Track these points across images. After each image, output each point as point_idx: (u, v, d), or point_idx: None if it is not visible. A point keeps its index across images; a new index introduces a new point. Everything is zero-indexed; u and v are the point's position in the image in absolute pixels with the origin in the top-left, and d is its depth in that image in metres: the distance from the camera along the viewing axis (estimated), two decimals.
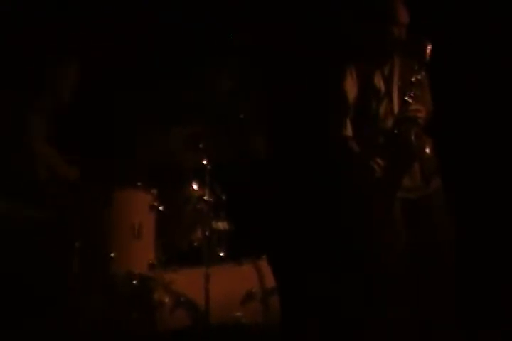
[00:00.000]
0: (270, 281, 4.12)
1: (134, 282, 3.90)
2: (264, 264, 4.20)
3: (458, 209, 4.05)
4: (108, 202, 4.03)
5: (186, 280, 4.06)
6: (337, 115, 4.02)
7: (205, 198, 4.24)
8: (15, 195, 4.17)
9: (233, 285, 4.10)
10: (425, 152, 3.88)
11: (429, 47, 3.86)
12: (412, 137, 3.87)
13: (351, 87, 4.00)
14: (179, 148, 4.45)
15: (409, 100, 3.90)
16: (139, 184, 4.18)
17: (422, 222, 3.96)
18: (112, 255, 3.94)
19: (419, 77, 3.90)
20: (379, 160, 3.87)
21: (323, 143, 4.05)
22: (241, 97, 4.66)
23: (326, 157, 4.11)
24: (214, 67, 4.71)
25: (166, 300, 3.93)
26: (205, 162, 4.24)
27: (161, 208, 4.24)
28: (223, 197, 4.43)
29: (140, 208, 4.12)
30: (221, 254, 4.34)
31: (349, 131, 3.99)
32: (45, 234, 4.10)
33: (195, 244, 4.34)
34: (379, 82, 4.03)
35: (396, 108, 4.00)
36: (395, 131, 3.92)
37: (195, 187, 4.43)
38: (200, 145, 4.30)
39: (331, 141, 4.03)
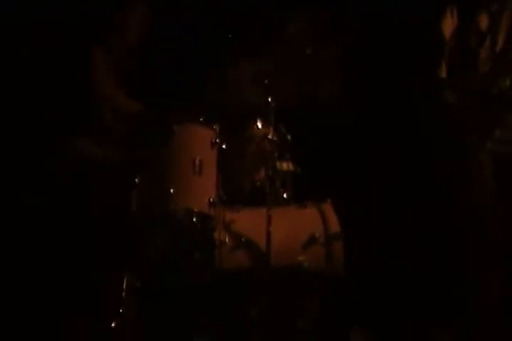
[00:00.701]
0: (334, 226, 3.94)
1: (194, 219, 3.75)
2: (328, 208, 4.02)
3: None
4: (169, 136, 3.87)
5: (248, 221, 3.93)
6: (431, 55, 3.77)
7: (269, 137, 4.05)
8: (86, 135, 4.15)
9: (296, 228, 3.94)
10: None
11: None
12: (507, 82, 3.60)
13: (449, 25, 3.74)
14: (246, 83, 4.26)
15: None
16: (200, 119, 3.99)
17: None
18: (172, 191, 3.77)
19: None
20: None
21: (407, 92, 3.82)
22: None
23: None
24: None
25: (227, 239, 3.80)
26: (270, 100, 4.05)
27: (223, 146, 4.06)
28: (288, 138, 4.24)
29: (201, 144, 3.94)
30: (284, 196, 4.16)
31: (444, 73, 3.74)
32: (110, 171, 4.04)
33: (258, 183, 4.16)
34: (483, 21, 3.75)
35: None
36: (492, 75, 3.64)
37: (259, 125, 4.24)
38: (267, 83, 4.11)
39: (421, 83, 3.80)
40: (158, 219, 3.77)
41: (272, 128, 4.07)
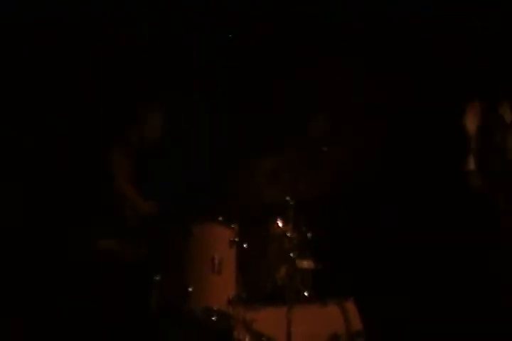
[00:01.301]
0: (356, 324, 3.88)
1: (213, 318, 3.71)
2: (350, 306, 3.96)
3: None
4: (188, 235, 3.89)
5: (268, 320, 3.85)
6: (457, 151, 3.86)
7: (288, 234, 4.04)
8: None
9: (317, 326, 3.88)
10: None
11: None
12: None
13: (472, 120, 3.82)
14: (261, 182, 4.29)
15: None
16: (219, 218, 4.01)
17: None
18: (190, 289, 3.75)
19: None
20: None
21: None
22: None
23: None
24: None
25: (247, 339, 3.73)
26: (287, 197, 4.07)
27: (245, 245, 4.07)
28: (308, 235, 4.22)
29: (220, 243, 3.94)
30: (305, 294, 4.10)
31: (471, 165, 3.78)
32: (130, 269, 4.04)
33: (279, 282, 4.12)
34: (505, 112, 3.83)
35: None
36: None
37: (280, 224, 4.24)
38: (282, 179, 4.15)
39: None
40: (177, 317, 3.73)
41: (290, 226, 4.08)
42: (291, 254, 4.08)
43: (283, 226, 4.21)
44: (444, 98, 4.35)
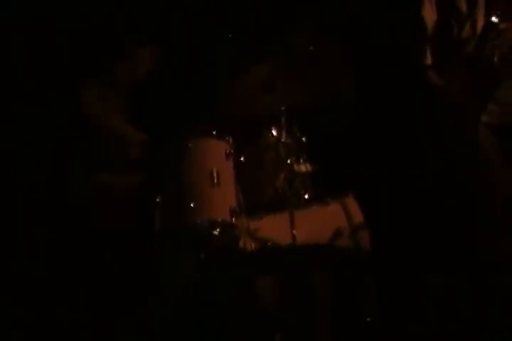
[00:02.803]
0: (358, 217, 3.96)
1: (218, 230, 3.80)
2: (350, 201, 4.04)
3: None
4: (184, 151, 3.94)
5: (272, 226, 3.95)
6: (415, 44, 3.82)
7: (282, 140, 4.10)
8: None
9: (320, 225, 3.96)
10: None
11: None
12: (495, 59, 3.62)
13: (430, 13, 3.78)
14: (255, 91, 4.31)
15: (496, 20, 3.64)
16: (213, 132, 4.06)
17: None
18: (192, 204, 3.82)
19: None
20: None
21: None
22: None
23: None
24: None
25: (253, 246, 3.83)
26: (282, 105, 4.10)
27: (242, 158, 4.12)
28: (303, 139, 4.27)
29: (216, 156, 3.99)
30: (306, 197, 4.18)
31: (429, 60, 3.77)
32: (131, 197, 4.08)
33: (279, 189, 4.19)
34: (461, 3, 3.79)
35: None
36: (477, 55, 3.68)
37: (274, 133, 4.29)
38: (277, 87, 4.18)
39: (410, 72, 3.84)
40: (183, 233, 3.82)
41: (284, 132, 4.13)
42: (289, 161, 4.16)
43: (277, 134, 4.27)
44: None
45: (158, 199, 3.92)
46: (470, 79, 3.70)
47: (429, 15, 3.84)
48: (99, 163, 4.17)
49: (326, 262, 3.79)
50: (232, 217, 3.83)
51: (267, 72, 4.31)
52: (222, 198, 3.90)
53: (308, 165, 4.23)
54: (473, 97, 3.68)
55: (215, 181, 3.89)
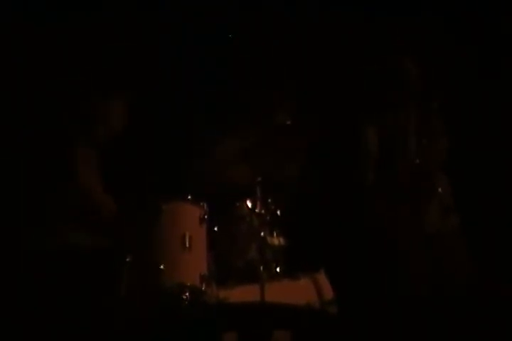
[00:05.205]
0: (328, 293, 3.94)
1: (186, 294, 3.71)
2: (321, 277, 4.01)
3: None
4: (158, 213, 3.90)
5: (242, 297, 3.87)
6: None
7: (256, 211, 4.08)
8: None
9: (290, 300, 3.89)
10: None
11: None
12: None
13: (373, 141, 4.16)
14: (232, 160, 4.31)
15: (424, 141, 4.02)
16: (189, 197, 4.03)
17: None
18: (162, 267, 3.75)
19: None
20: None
21: None
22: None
23: None
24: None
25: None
26: (257, 176, 4.11)
27: (215, 228, 4.10)
28: (278, 212, 4.25)
29: (190, 220, 3.96)
30: (278, 270, 4.12)
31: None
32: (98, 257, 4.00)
33: (250, 261, 4.14)
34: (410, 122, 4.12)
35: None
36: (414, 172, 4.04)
37: (248, 204, 4.27)
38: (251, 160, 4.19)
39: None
40: (150, 295, 3.73)
41: (259, 203, 4.11)
42: (262, 233, 4.12)
43: (252, 205, 4.24)
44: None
45: (128, 259, 3.85)
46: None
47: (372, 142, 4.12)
48: (68, 222, 4.09)
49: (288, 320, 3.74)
50: (202, 282, 3.77)
51: (243, 143, 4.32)
52: (193, 263, 3.85)
53: (281, 239, 4.20)
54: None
55: (187, 245, 3.85)
